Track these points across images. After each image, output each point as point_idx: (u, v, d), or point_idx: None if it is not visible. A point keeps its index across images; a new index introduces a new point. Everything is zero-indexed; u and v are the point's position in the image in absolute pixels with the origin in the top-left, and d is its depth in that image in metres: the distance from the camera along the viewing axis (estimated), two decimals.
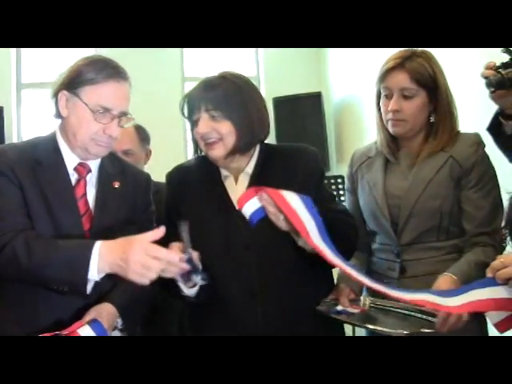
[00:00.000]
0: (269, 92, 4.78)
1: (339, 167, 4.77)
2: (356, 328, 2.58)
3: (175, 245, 1.56)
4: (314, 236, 1.55)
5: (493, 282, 1.40)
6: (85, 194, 1.76)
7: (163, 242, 1.54)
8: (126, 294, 1.71)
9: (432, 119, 1.98)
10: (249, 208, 1.59)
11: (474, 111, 2.59)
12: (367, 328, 1.66)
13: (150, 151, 2.79)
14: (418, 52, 1.94)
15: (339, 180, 4.23)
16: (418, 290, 1.58)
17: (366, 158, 2.10)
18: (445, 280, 1.75)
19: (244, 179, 1.83)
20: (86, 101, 1.69)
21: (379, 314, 1.70)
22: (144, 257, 1.46)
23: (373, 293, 1.77)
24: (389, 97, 1.95)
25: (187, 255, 1.52)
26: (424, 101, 1.93)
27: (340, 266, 1.57)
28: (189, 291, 1.68)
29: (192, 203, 1.83)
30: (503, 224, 1.67)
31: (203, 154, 1.86)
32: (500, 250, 1.86)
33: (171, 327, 2.42)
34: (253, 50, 5.32)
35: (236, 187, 1.82)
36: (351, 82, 4.72)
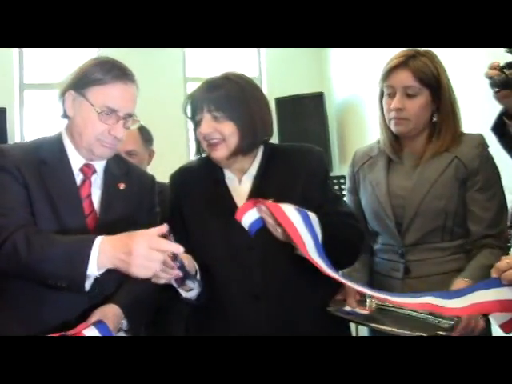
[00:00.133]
0: (271, 92, 4.77)
1: (342, 167, 4.77)
2: (358, 328, 2.56)
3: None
4: (310, 250, 1.55)
5: (498, 283, 1.39)
6: (90, 195, 1.75)
7: None
8: (131, 296, 1.70)
9: (435, 119, 1.97)
10: (247, 219, 1.58)
11: (478, 111, 2.58)
12: (383, 330, 1.64)
13: (153, 152, 2.79)
14: (422, 51, 1.94)
15: (342, 180, 4.23)
16: (419, 294, 1.57)
17: (368, 157, 2.10)
18: (460, 284, 1.74)
19: (247, 180, 1.82)
20: (92, 101, 1.69)
21: (388, 315, 1.69)
22: (147, 249, 1.45)
23: None
24: (392, 96, 1.95)
25: (178, 263, 1.51)
26: (427, 100, 1.93)
27: (338, 279, 1.55)
28: (187, 294, 1.67)
29: (195, 204, 1.83)
30: (508, 224, 1.67)
31: (206, 154, 1.85)
32: (506, 250, 1.86)
33: (174, 328, 2.41)
34: (255, 50, 5.32)
35: (239, 188, 1.82)
36: (353, 82, 4.72)
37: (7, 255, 1.56)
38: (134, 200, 1.82)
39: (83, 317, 1.61)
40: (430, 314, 1.63)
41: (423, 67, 1.91)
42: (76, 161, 1.76)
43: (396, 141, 2.02)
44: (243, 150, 1.78)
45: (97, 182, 1.79)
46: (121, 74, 1.71)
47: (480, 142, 1.94)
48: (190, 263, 1.63)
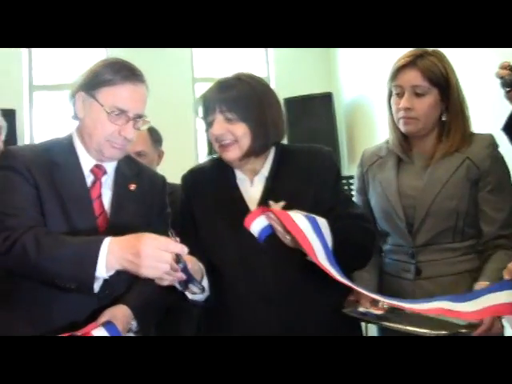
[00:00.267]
0: (279, 93, 4.72)
1: (350, 168, 4.75)
2: (367, 329, 2.55)
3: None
4: (320, 256, 1.55)
5: (510, 285, 1.38)
6: (100, 196, 1.76)
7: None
8: (141, 297, 1.70)
9: (444, 118, 1.96)
10: (256, 226, 1.58)
11: (488, 111, 2.57)
12: (401, 329, 1.63)
13: (163, 152, 2.80)
14: (430, 51, 1.94)
15: (350, 181, 4.21)
16: (431, 298, 1.56)
17: (377, 157, 2.09)
18: (481, 287, 1.72)
19: (259, 181, 1.82)
20: (101, 102, 1.69)
21: (401, 314, 1.68)
22: (155, 250, 1.46)
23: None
24: (400, 95, 1.94)
25: (182, 265, 1.50)
26: (436, 99, 1.92)
27: (349, 285, 1.56)
28: (193, 297, 1.67)
29: (206, 205, 1.82)
30: None
31: (218, 155, 1.85)
32: None
33: (183, 328, 2.41)
34: (263, 50, 5.32)
35: (251, 189, 1.82)
36: (362, 81, 4.70)
37: (17, 256, 1.56)
38: (144, 201, 1.81)
39: (93, 318, 1.61)
40: None
41: (431, 66, 1.91)
42: (86, 162, 1.77)
43: (405, 140, 2.01)
44: (255, 151, 1.77)
45: (107, 182, 1.79)
46: (130, 74, 1.71)
47: (490, 142, 1.93)
48: (194, 266, 1.61)
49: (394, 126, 2.01)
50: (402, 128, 1.96)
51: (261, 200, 1.76)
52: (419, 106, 1.91)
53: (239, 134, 1.73)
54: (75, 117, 1.78)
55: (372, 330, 2.08)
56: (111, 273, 1.53)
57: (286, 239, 1.59)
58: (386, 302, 1.57)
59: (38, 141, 2.43)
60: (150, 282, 1.56)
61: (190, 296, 1.66)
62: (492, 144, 1.93)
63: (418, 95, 1.91)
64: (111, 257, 1.50)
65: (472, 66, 2.94)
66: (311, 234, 1.55)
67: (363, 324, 1.99)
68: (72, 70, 4.67)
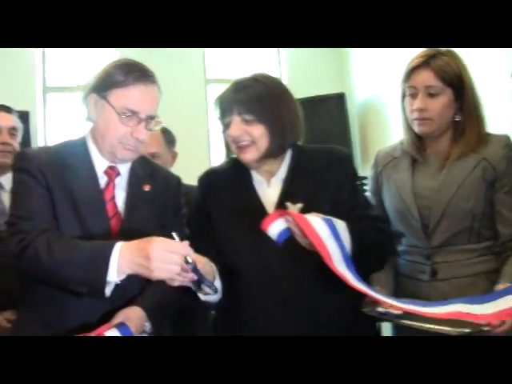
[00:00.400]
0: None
1: (364, 168, 4.73)
2: (381, 330, 2.54)
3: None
4: (337, 262, 1.55)
5: None
6: (113, 197, 1.75)
7: (194, 246, 1.55)
8: (154, 298, 1.70)
9: (458, 118, 1.94)
10: (274, 229, 1.59)
11: (503, 111, 2.55)
12: (423, 328, 1.61)
13: (176, 153, 2.80)
14: (443, 51, 1.92)
15: (364, 181, 4.19)
16: (447, 301, 1.55)
17: (391, 158, 2.08)
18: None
19: (276, 183, 1.81)
20: (113, 103, 1.69)
21: (420, 307, 1.67)
22: (164, 252, 1.46)
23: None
24: (414, 96, 1.93)
25: (191, 265, 1.50)
26: (450, 99, 1.91)
27: (363, 291, 1.57)
28: (206, 298, 1.66)
29: (223, 207, 1.82)
30: None
31: (234, 156, 1.85)
32: None
33: (198, 328, 2.41)
34: (275, 50, 5.32)
35: (268, 191, 1.81)
36: (374, 82, 4.69)
37: (30, 259, 1.57)
38: (159, 202, 1.81)
39: (106, 320, 1.61)
40: None
41: (445, 66, 1.89)
42: (100, 163, 1.77)
43: (419, 141, 2.00)
44: (273, 152, 1.77)
45: (121, 184, 1.79)
46: (141, 75, 1.70)
47: (506, 142, 1.92)
48: (206, 267, 1.61)
49: (408, 126, 2.00)
50: (417, 129, 1.95)
51: (278, 202, 1.75)
52: (433, 107, 1.90)
53: (256, 135, 1.73)
54: (89, 118, 1.78)
55: (386, 330, 2.06)
56: (122, 277, 1.54)
57: (305, 242, 1.58)
58: (403, 307, 1.56)
59: (51, 143, 2.45)
60: (163, 283, 1.56)
61: (202, 297, 1.65)
62: (508, 145, 1.92)
63: (431, 96, 1.90)
64: (122, 261, 1.51)
65: (487, 66, 2.92)
66: (328, 237, 1.55)
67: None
68: (85, 71, 4.69)
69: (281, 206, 1.71)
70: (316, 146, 1.93)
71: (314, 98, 4.81)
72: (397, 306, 1.57)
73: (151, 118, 1.73)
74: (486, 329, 1.52)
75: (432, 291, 1.90)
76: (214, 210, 1.83)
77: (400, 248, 2.06)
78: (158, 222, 1.76)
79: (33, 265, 1.57)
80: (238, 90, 1.75)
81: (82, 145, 1.79)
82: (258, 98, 1.72)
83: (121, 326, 1.55)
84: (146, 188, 1.81)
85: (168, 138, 2.73)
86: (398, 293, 1.93)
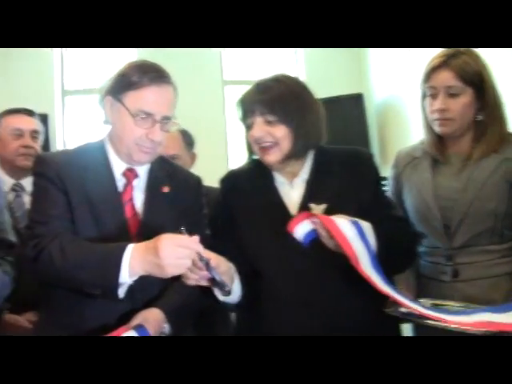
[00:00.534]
0: None
1: (383, 169, 4.69)
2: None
3: None
4: (364, 264, 1.55)
5: None
6: (131, 199, 1.76)
7: (216, 247, 1.56)
8: (173, 300, 1.70)
9: (479, 118, 1.93)
10: (300, 231, 1.59)
11: None
12: (451, 329, 1.60)
13: (195, 155, 2.80)
14: (463, 50, 1.91)
15: (384, 182, 4.17)
16: (472, 311, 1.55)
17: (412, 158, 2.07)
18: None
19: (299, 185, 1.81)
20: (127, 106, 1.68)
21: (445, 313, 1.65)
22: (174, 247, 1.46)
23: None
24: (434, 96, 1.92)
25: (204, 261, 1.50)
26: (471, 99, 1.89)
27: (390, 294, 1.56)
28: (225, 299, 1.65)
29: (246, 208, 1.81)
30: None
31: (256, 157, 1.85)
32: None
33: (219, 328, 2.41)
34: (292, 51, 5.31)
35: (291, 192, 1.81)
36: (393, 81, 4.66)
37: (44, 263, 1.58)
38: (178, 203, 1.80)
39: (125, 322, 1.61)
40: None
41: (465, 65, 1.88)
42: (118, 166, 1.77)
43: (440, 141, 1.99)
44: (296, 153, 1.76)
45: (140, 185, 1.79)
46: (155, 76, 1.70)
47: None
48: (222, 266, 1.59)
49: (429, 127, 1.99)
50: (438, 129, 1.94)
51: (301, 203, 1.75)
52: (454, 107, 1.89)
53: (279, 135, 1.72)
54: (106, 121, 1.78)
55: (407, 331, 2.04)
56: (135, 278, 1.54)
57: (331, 244, 1.58)
58: (426, 314, 1.55)
59: (70, 146, 2.47)
60: (183, 285, 1.56)
61: (221, 298, 1.65)
62: None
63: (452, 96, 1.89)
64: (134, 262, 1.51)
65: (508, 65, 2.88)
66: (355, 239, 1.55)
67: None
68: (103, 73, 4.71)
69: (304, 207, 1.72)
70: (338, 147, 1.92)
71: (331, 98, 4.79)
72: (424, 312, 1.55)
73: (167, 119, 1.72)
74: None
75: (454, 292, 1.88)
76: (237, 212, 1.83)
77: (420, 249, 2.05)
78: (177, 223, 1.74)
79: (47, 269, 1.59)
80: (260, 91, 1.75)
81: (100, 147, 1.79)
82: (280, 99, 1.72)
83: (139, 327, 1.54)
84: (165, 189, 1.80)
85: (187, 139, 2.73)
86: (420, 294, 1.92)
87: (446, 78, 1.88)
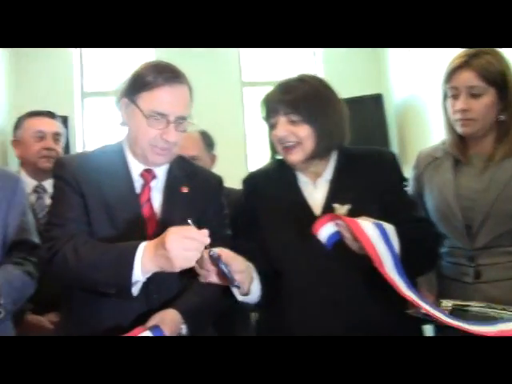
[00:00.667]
0: None
1: (403, 170, 4.67)
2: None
3: None
4: (387, 266, 1.55)
5: None
6: (149, 200, 1.76)
7: (237, 247, 1.57)
8: (192, 301, 1.70)
9: (502, 118, 1.91)
10: (324, 232, 1.59)
11: None
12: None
13: (215, 156, 2.81)
14: (485, 49, 1.89)
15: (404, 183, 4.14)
16: (495, 322, 1.54)
17: (433, 158, 2.06)
18: None
19: (323, 185, 1.81)
20: (141, 107, 1.69)
21: (466, 314, 1.66)
22: (181, 240, 1.45)
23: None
24: (456, 97, 1.91)
25: (214, 254, 1.49)
26: (493, 99, 1.88)
27: (413, 299, 1.56)
28: (244, 299, 1.66)
29: (269, 208, 1.82)
30: None
31: (279, 157, 1.85)
32: None
33: (238, 327, 2.41)
34: (311, 52, 5.29)
35: (314, 192, 1.81)
36: (413, 81, 4.62)
37: (59, 265, 1.61)
38: (197, 203, 1.80)
39: (142, 323, 1.62)
40: (504, 309, 1.61)
41: (487, 65, 1.86)
42: (136, 167, 1.78)
43: (462, 142, 1.98)
44: (319, 153, 1.77)
45: (158, 186, 1.79)
46: (169, 76, 1.69)
47: None
48: (240, 265, 1.58)
49: (451, 127, 1.97)
50: (460, 130, 1.93)
51: (325, 203, 1.76)
52: (476, 107, 1.87)
53: (303, 135, 1.73)
54: (123, 123, 1.79)
55: (428, 332, 2.03)
56: (148, 275, 1.55)
57: (355, 246, 1.58)
58: (449, 322, 1.54)
59: (90, 148, 2.50)
60: (202, 286, 1.58)
61: (239, 298, 1.65)
62: None
63: (474, 96, 1.87)
64: (145, 259, 1.51)
65: None
66: (379, 242, 1.55)
67: None
68: (121, 75, 4.71)
69: (328, 207, 1.72)
70: (362, 147, 1.92)
71: (350, 99, 4.76)
72: (446, 321, 1.55)
73: (181, 119, 1.72)
74: None
75: (476, 294, 1.86)
76: (260, 211, 1.83)
77: (442, 250, 2.03)
78: (197, 224, 1.74)
79: (62, 270, 1.61)
80: (284, 91, 1.76)
81: (118, 149, 1.80)
82: (304, 99, 1.72)
83: (154, 328, 1.54)
84: (184, 190, 1.80)
85: (207, 141, 2.74)
86: (442, 295, 1.91)
87: (468, 78, 1.87)
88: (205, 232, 1.48)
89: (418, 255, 1.66)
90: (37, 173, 2.69)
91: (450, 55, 1.95)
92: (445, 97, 1.97)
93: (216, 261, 1.50)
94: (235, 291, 1.63)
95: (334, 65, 5.13)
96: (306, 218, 1.66)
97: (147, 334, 1.52)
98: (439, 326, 1.87)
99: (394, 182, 1.81)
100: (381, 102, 4.85)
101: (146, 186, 1.77)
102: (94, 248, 1.61)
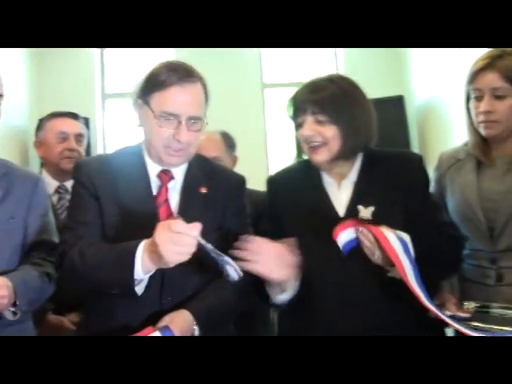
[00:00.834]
0: None
1: None
2: None
3: None
4: (410, 278, 1.55)
5: None
6: (167, 200, 1.75)
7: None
8: (205, 302, 1.68)
9: None
10: (343, 237, 1.59)
11: None
12: (496, 330, 1.58)
13: (237, 158, 2.80)
14: (509, 50, 1.87)
15: None
16: None
17: (455, 160, 2.04)
18: None
19: (347, 186, 1.80)
20: (152, 107, 1.68)
21: (488, 316, 1.65)
22: (170, 234, 1.44)
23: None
24: (479, 98, 1.89)
25: (202, 242, 1.47)
26: None
27: (434, 311, 1.56)
28: (279, 298, 1.66)
29: (293, 208, 1.82)
30: None
31: (304, 158, 1.85)
32: None
33: (258, 328, 2.41)
34: (332, 52, 5.27)
35: (338, 193, 1.80)
36: (434, 83, 4.59)
37: (67, 269, 1.64)
38: (217, 203, 1.78)
39: (153, 323, 1.61)
40: None
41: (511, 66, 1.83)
42: (153, 168, 1.78)
43: (485, 143, 1.96)
44: (345, 154, 1.76)
45: (175, 187, 1.78)
46: (180, 76, 1.67)
47: None
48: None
49: (474, 129, 1.96)
50: (483, 132, 1.91)
51: (349, 205, 1.76)
52: (500, 109, 1.86)
53: (329, 135, 1.72)
54: (140, 124, 1.78)
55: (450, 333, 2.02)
56: (150, 273, 1.55)
57: (373, 256, 1.58)
58: (470, 334, 1.52)
59: (111, 149, 2.50)
60: (219, 287, 1.59)
61: (274, 299, 1.66)
62: None
63: (498, 97, 1.86)
64: (145, 257, 1.52)
65: None
66: (402, 253, 1.55)
67: None
68: (141, 76, 4.73)
69: (352, 209, 1.72)
70: (388, 149, 1.90)
71: (371, 100, 4.74)
72: (468, 333, 1.53)
73: (194, 119, 1.70)
74: None
75: (497, 296, 1.85)
76: (284, 211, 1.83)
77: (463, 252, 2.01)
78: (215, 224, 1.74)
79: (71, 273, 1.63)
80: (312, 91, 1.76)
81: (137, 151, 1.81)
82: (332, 99, 1.72)
83: (163, 328, 1.54)
84: (203, 190, 1.78)
85: (228, 142, 2.74)
86: (464, 298, 1.88)
87: (492, 79, 1.85)
88: (194, 225, 1.45)
89: (442, 261, 1.67)
90: (59, 173, 2.71)
91: (472, 56, 1.93)
92: (468, 98, 1.95)
93: (206, 249, 1.48)
94: (271, 291, 1.64)
95: (355, 66, 5.10)
96: (330, 218, 1.66)
97: (157, 334, 1.52)
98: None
99: (419, 185, 1.80)
100: (402, 104, 4.83)
101: (162, 187, 1.76)
102: (98, 249, 1.61)
